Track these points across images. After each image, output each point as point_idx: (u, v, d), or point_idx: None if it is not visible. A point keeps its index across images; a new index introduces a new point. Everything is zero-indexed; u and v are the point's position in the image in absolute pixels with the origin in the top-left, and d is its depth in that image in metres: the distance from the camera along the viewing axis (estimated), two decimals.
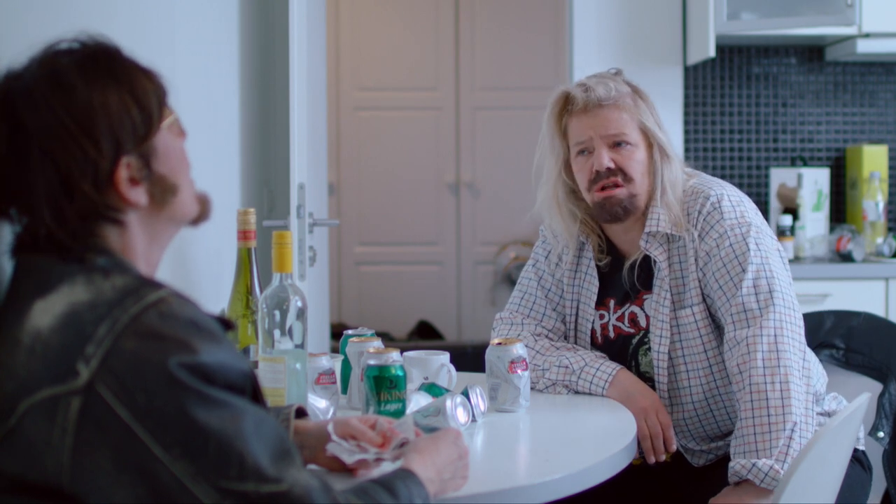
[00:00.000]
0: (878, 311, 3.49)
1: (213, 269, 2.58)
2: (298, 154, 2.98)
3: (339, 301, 5.63)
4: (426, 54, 5.70)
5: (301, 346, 1.76)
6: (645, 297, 2.21)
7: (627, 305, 2.24)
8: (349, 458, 1.49)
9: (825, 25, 3.70)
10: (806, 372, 2.04)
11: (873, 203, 3.85)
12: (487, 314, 5.67)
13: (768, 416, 1.97)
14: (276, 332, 1.74)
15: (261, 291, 1.97)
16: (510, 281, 5.56)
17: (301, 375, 1.75)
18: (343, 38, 5.67)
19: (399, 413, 1.85)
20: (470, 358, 2.84)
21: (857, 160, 4.00)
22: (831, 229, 3.90)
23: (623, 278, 2.23)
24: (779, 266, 2.13)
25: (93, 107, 1.24)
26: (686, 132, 4.09)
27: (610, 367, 2.15)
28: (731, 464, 1.99)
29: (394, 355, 1.89)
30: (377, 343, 2.06)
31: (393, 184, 5.68)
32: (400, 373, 1.87)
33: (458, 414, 1.81)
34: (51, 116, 1.23)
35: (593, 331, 2.27)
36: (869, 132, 4.13)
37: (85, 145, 1.23)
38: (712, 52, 3.71)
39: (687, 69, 4.08)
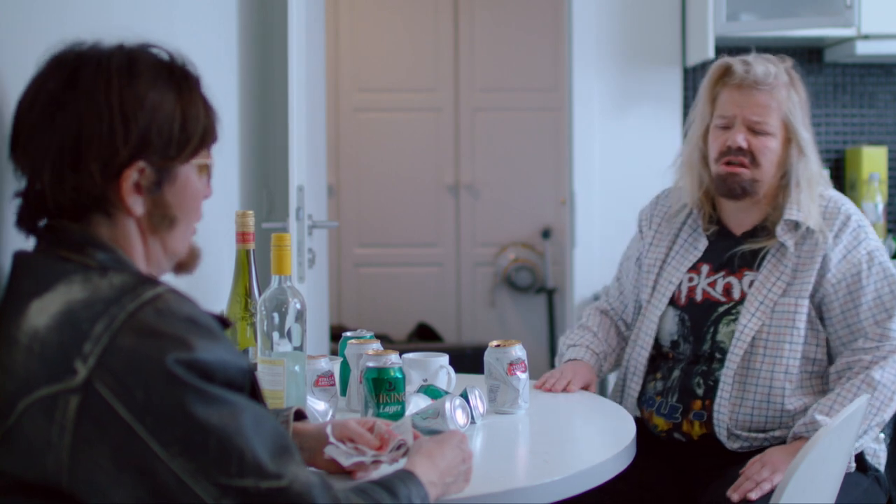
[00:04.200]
0: None
1: (212, 270, 2.57)
2: (297, 156, 2.98)
3: (338, 303, 5.63)
4: (425, 56, 5.69)
5: (300, 348, 1.75)
6: (746, 272, 2.25)
7: (723, 274, 2.28)
8: (346, 461, 1.49)
9: (824, 27, 3.70)
10: None
11: (873, 204, 3.85)
12: (487, 316, 5.66)
13: (873, 398, 2.10)
14: (275, 335, 1.74)
15: (260, 294, 1.96)
16: (509, 283, 5.55)
17: (300, 377, 1.75)
18: (343, 40, 5.67)
19: (398, 415, 1.85)
20: (469, 360, 2.84)
21: (856, 161, 4.00)
22: None
23: (721, 252, 2.30)
24: None
25: (143, 102, 1.25)
26: (686, 133, 4.08)
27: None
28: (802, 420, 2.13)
29: (393, 357, 1.89)
30: (376, 345, 2.06)
31: (392, 185, 5.67)
32: (399, 375, 1.87)
33: (457, 416, 1.81)
34: (104, 89, 1.24)
35: (678, 291, 2.31)
36: (868, 133, 4.12)
37: (116, 129, 1.24)
38: (711, 54, 3.70)
39: (686, 70, 4.07)
